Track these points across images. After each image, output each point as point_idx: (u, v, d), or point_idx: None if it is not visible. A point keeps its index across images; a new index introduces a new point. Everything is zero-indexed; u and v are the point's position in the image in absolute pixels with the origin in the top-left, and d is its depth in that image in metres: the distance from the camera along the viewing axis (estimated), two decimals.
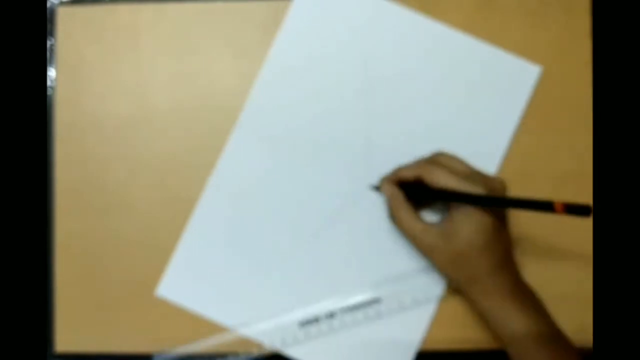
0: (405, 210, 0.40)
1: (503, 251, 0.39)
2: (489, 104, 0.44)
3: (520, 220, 0.43)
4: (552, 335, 0.38)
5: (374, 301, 0.43)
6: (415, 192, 0.40)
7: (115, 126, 0.45)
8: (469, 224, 0.37)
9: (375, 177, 0.43)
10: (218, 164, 0.44)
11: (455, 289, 0.43)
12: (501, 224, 0.39)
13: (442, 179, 0.38)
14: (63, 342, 0.44)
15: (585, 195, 0.43)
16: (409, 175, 0.40)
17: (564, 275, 0.43)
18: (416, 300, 0.43)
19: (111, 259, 0.44)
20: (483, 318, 0.39)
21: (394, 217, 0.41)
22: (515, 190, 0.42)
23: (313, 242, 0.44)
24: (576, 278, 0.43)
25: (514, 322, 0.37)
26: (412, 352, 0.43)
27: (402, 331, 0.43)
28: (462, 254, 0.38)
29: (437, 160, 0.40)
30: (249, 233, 0.44)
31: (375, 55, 0.45)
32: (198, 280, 0.44)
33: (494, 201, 0.37)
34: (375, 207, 0.44)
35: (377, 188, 0.43)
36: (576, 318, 0.42)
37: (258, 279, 0.44)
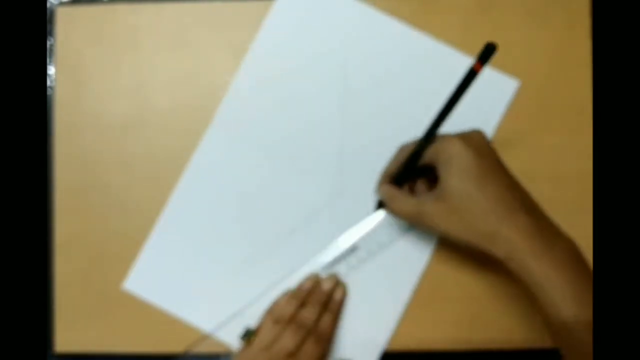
0: (398, 198, 0.39)
1: (504, 191, 0.36)
2: (465, 115, 0.44)
3: None
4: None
5: (352, 249, 0.43)
6: (403, 178, 0.40)
7: (115, 126, 0.45)
8: (452, 175, 0.36)
9: (347, 183, 0.44)
10: (190, 162, 0.44)
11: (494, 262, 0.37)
12: (490, 164, 0.36)
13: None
14: (63, 342, 0.44)
15: (585, 195, 0.43)
16: (394, 167, 0.40)
17: None
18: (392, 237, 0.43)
19: (111, 259, 0.44)
20: (528, 290, 0.34)
21: (393, 211, 0.40)
22: None
23: (283, 245, 0.44)
24: None
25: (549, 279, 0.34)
26: (382, 342, 0.43)
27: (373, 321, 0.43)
28: (461, 209, 0.36)
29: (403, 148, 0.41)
30: (220, 233, 0.44)
31: (355, 62, 0.45)
32: (167, 276, 0.44)
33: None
34: (346, 212, 0.44)
35: (380, 205, 0.43)
36: None
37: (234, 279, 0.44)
